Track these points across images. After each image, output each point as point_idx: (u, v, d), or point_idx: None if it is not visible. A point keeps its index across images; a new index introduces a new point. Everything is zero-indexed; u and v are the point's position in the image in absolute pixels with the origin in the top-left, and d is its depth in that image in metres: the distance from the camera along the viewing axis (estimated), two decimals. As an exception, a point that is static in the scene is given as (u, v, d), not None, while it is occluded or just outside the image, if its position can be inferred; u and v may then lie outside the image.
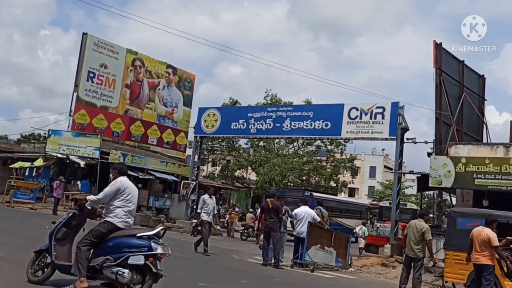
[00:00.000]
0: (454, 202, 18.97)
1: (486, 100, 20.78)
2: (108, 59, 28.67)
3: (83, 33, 27.80)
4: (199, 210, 12.29)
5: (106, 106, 28.62)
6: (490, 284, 8.21)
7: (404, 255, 10.04)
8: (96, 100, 28.04)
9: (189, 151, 32.56)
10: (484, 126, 19.56)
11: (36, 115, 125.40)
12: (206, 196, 12.35)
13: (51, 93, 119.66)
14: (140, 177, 25.10)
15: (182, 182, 23.61)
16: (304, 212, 12.05)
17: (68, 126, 26.64)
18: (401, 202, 20.20)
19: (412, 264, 9.39)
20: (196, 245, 12.16)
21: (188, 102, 33.74)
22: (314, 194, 24.17)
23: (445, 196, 21.49)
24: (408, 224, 9.92)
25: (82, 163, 23.47)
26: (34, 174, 25.40)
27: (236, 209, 24.34)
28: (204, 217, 12.04)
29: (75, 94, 27.13)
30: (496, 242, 8.18)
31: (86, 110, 27.42)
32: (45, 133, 28.43)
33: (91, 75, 27.75)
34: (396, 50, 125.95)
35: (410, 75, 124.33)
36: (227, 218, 22.53)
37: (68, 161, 23.97)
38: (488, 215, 8.95)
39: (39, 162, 24.58)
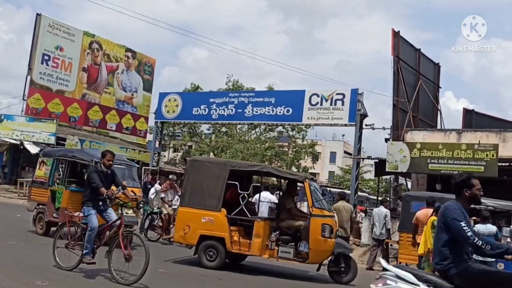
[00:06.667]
0: (409, 186, 19.65)
1: (440, 87, 21.63)
2: (64, 41, 27.64)
3: (37, 14, 26.66)
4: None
5: (62, 90, 27.64)
6: None
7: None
8: (51, 84, 27.03)
9: (149, 137, 32.05)
10: (439, 112, 20.32)
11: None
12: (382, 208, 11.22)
13: (4, 75, 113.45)
14: (99, 163, 24.50)
15: (143, 169, 23.25)
16: (264, 197, 12.14)
17: (22, 111, 25.61)
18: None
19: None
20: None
21: (148, 87, 33.07)
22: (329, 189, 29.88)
23: (401, 180, 22.21)
24: (336, 207, 10.44)
25: (33, 151, 22.53)
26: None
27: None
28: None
29: (29, 77, 26.08)
30: None
31: (41, 94, 26.41)
32: (-3, 118, 27.20)
33: (46, 57, 26.70)
34: (366, 34, 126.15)
35: (379, 60, 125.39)
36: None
37: (22, 146, 23.09)
38: (434, 198, 9.39)
39: (-10, 148, 23.56)
